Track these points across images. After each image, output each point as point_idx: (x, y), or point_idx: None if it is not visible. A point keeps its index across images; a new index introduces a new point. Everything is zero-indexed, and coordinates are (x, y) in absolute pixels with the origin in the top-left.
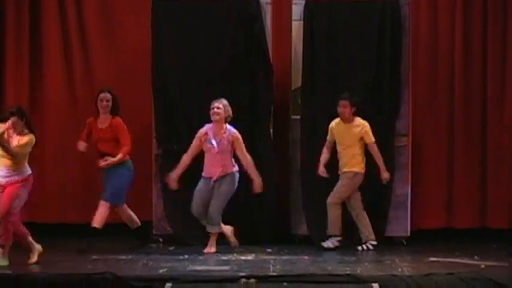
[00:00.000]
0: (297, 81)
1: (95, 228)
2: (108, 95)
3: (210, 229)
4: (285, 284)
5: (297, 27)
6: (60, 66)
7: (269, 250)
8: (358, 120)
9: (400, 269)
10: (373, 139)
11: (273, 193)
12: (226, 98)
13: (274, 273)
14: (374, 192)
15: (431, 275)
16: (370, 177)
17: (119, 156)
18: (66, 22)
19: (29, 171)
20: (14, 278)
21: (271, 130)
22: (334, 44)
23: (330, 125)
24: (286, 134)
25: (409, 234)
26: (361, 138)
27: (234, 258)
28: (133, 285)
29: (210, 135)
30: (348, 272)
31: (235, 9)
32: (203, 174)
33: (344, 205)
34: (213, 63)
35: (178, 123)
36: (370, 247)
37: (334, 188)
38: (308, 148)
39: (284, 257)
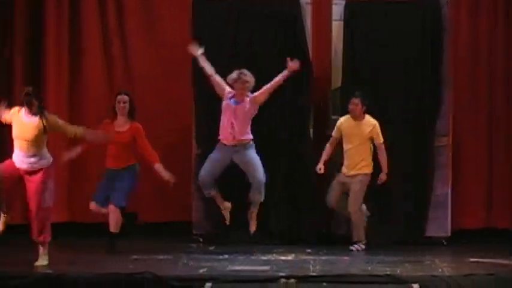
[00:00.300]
0: (336, 81)
1: (113, 233)
2: (126, 97)
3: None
4: (324, 284)
5: (337, 27)
6: (99, 63)
7: (309, 250)
8: (369, 119)
9: (440, 269)
10: (382, 139)
11: (313, 193)
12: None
13: (314, 274)
14: (414, 192)
15: (471, 276)
16: (410, 178)
17: (160, 166)
18: (106, 18)
19: (51, 159)
20: (55, 277)
21: (311, 130)
22: (374, 44)
23: (338, 122)
24: (325, 134)
25: (449, 234)
26: (370, 138)
27: (273, 259)
28: (173, 285)
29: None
30: (388, 273)
31: (275, 9)
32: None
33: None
34: (252, 63)
35: (218, 123)
36: (363, 247)
37: (351, 195)
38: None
39: (324, 257)
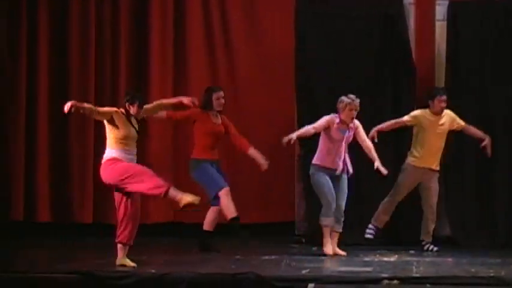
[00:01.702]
0: (440, 81)
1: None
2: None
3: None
4: (428, 285)
5: (440, 27)
6: (203, 65)
7: (412, 251)
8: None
9: None
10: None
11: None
12: (370, 99)
13: (417, 275)
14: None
15: None
16: None
17: (254, 151)
18: (209, 21)
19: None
20: (159, 277)
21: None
22: (478, 44)
23: (418, 113)
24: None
25: None
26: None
27: (376, 260)
28: (276, 285)
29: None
30: (492, 275)
31: (379, 10)
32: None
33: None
34: (356, 64)
35: None
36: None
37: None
38: (451, 148)
39: (427, 259)
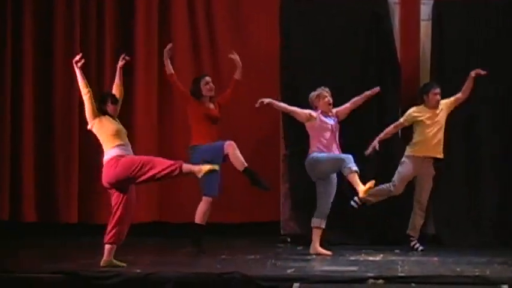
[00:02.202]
0: (425, 81)
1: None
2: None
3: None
4: (413, 285)
5: (425, 27)
6: (188, 66)
7: (397, 251)
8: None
9: None
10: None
11: (402, 193)
12: (354, 97)
13: (403, 274)
14: (503, 193)
15: None
16: (499, 179)
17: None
18: (194, 21)
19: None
20: (144, 277)
21: (400, 130)
22: (463, 44)
23: (413, 111)
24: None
25: None
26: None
27: (362, 259)
28: (261, 284)
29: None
30: (477, 274)
31: (364, 9)
32: None
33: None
34: (341, 63)
35: None
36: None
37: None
38: None
39: (412, 258)
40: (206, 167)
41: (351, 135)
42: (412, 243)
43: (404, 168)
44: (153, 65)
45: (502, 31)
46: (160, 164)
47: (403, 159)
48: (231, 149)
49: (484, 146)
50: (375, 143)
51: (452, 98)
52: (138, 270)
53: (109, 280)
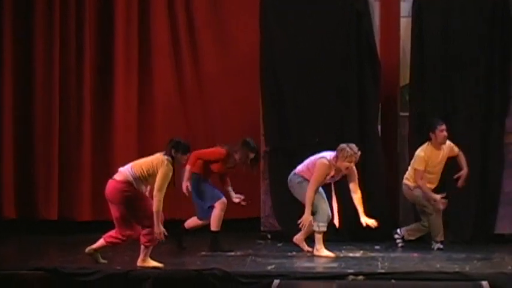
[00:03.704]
0: (405, 78)
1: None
2: None
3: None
4: (393, 281)
5: (405, 24)
6: (168, 66)
7: (377, 247)
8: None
9: (509, 267)
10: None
11: (382, 190)
12: (336, 94)
13: (383, 271)
14: (483, 190)
15: None
16: (478, 176)
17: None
18: (175, 21)
19: None
20: (124, 274)
21: (379, 127)
22: (443, 41)
23: (423, 154)
24: (394, 131)
25: None
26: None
27: (342, 255)
28: (241, 281)
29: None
30: (457, 270)
31: (344, 6)
32: None
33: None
34: (321, 60)
35: (287, 119)
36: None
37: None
38: (417, 145)
39: (392, 254)
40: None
41: (332, 133)
42: (398, 241)
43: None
44: (133, 63)
45: (481, 26)
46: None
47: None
48: (220, 208)
49: (462, 140)
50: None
51: (455, 150)
52: (118, 267)
53: (89, 277)
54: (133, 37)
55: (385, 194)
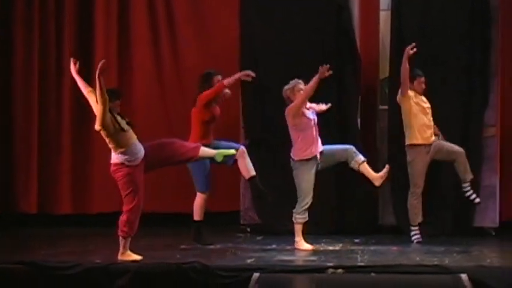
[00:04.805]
0: (384, 71)
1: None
2: None
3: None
4: (372, 274)
5: (384, 17)
6: (148, 56)
7: (357, 240)
8: None
9: (488, 260)
10: None
11: (361, 183)
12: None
13: (362, 264)
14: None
15: None
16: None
17: None
18: (154, 11)
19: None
20: (104, 267)
21: (359, 120)
22: (422, 34)
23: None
24: (373, 124)
25: (497, 224)
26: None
27: (321, 249)
28: (221, 274)
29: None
30: (436, 263)
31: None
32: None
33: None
34: (300, 52)
35: (267, 112)
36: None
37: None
38: (396, 138)
39: (372, 248)
40: (225, 151)
41: None
42: (468, 193)
43: (413, 165)
44: (113, 57)
45: (460, 19)
46: (180, 148)
47: (407, 157)
48: (202, 197)
49: (441, 133)
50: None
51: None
52: (98, 261)
53: (69, 270)
54: (113, 30)
55: (364, 187)
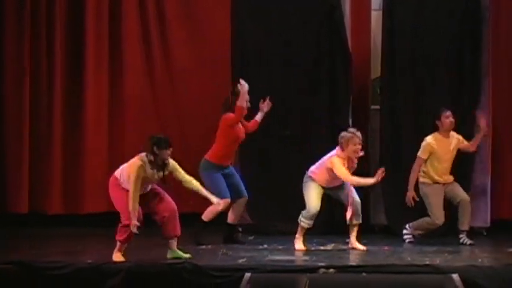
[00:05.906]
0: (376, 70)
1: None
2: None
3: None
4: (364, 274)
5: (376, 16)
6: (139, 56)
7: (348, 240)
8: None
9: (480, 260)
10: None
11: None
12: (306, 88)
13: (354, 264)
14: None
15: (511, 266)
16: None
17: None
18: (145, 10)
19: None
20: (95, 267)
21: (351, 120)
22: (414, 34)
23: (429, 141)
24: (365, 124)
25: (489, 224)
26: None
27: (313, 248)
28: (212, 274)
29: None
30: (427, 263)
31: None
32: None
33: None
34: (292, 52)
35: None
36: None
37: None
38: (387, 138)
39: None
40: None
41: (303, 125)
42: (462, 239)
43: (430, 199)
44: (104, 57)
45: (451, 20)
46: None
47: (422, 191)
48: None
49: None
50: (410, 195)
51: (464, 142)
52: (90, 261)
53: (60, 270)
54: (103, 30)
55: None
